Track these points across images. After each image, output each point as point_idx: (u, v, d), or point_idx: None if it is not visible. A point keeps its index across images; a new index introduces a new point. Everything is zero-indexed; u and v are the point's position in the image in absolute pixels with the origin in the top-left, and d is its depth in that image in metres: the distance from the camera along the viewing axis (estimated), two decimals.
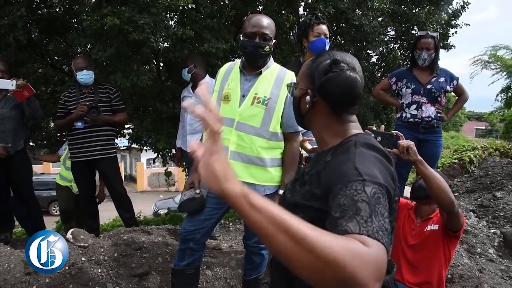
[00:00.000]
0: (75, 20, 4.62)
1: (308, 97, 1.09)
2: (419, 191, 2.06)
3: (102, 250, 2.80)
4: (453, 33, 6.15)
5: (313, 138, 2.37)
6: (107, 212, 6.77)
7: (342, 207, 0.82)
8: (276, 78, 2.05)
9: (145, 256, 2.82)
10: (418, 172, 1.68)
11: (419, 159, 1.61)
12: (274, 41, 2.03)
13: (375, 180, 0.87)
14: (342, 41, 5.93)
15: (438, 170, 5.52)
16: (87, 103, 3.33)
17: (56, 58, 5.50)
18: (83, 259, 2.65)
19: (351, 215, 0.79)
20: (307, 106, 1.10)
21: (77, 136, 3.41)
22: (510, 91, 14.23)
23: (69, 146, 3.62)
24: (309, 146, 2.27)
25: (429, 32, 3.36)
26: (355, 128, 1.09)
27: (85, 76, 3.33)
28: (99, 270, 2.62)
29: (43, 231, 2.04)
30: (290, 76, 2.08)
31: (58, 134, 5.59)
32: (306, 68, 1.13)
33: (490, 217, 3.92)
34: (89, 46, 4.10)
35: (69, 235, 2.83)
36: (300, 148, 2.20)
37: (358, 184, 0.85)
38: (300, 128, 2.09)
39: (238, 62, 2.14)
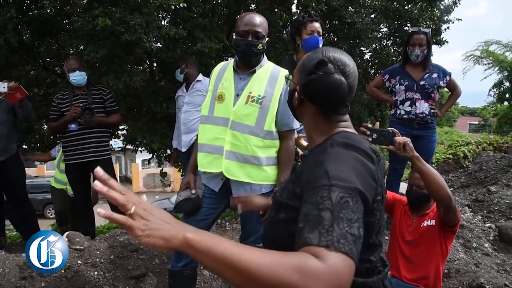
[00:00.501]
0: (67, 21, 4.58)
1: (296, 94, 1.08)
2: (417, 200, 2.11)
3: (98, 252, 2.78)
4: (445, 29, 6.18)
5: None
6: None
7: (306, 216, 0.81)
8: (270, 76, 2.04)
9: (142, 258, 2.81)
10: (415, 169, 1.68)
11: (416, 155, 1.61)
12: (267, 39, 2.02)
13: (344, 183, 0.83)
14: (335, 39, 5.94)
15: (433, 166, 5.55)
16: (81, 105, 3.30)
17: (48, 59, 5.45)
18: (79, 262, 2.63)
19: (313, 225, 0.77)
20: (296, 101, 1.10)
21: (71, 138, 3.38)
22: (502, 86, 14.33)
23: (63, 148, 3.59)
24: (304, 143, 2.27)
25: (421, 28, 3.37)
26: (345, 126, 1.06)
27: (77, 77, 3.30)
28: (96, 273, 2.61)
29: (43, 231, 2.04)
30: (284, 74, 2.07)
31: (52, 137, 5.55)
32: (300, 63, 1.11)
33: (485, 211, 3.94)
34: (81, 47, 4.07)
35: (64, 238, 2.80)
36: (295, 146, 2.20)
37: (324, 191, 0.83)
38: (295, 126, 2.08)
39: (231, 61, 2.13)
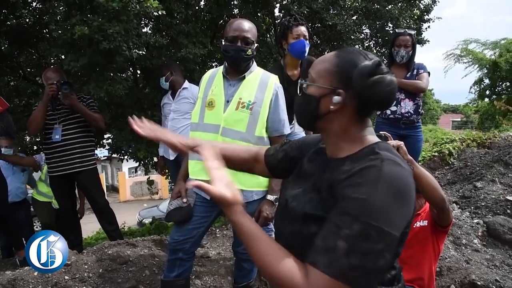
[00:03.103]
0: (46, 30, 4.50)
1: (336, 98, 0.97)
2: None
3: (86, 266, 2.70)
4: (426, 28, 6.28)
5: None
6: (90, 224, 6.61)
7: (325, 237, 0.85)
8: (260, 82, 2.02)
9: (132, 270, 2.74)
10: None
11: (410, 159, 1.61)
12: (256, 45, 2.01)
13: (374, 219, 0.82)
14: (318, 41, 5.98)
15: (420, 164, 5.61)
16: (54, 81, 3.14)
17: (28, 69, 5.35)
18: (66, 277, 2.56)
19: (326, 250, 0.83)
20: (331, 107, 0.98)
21: (54, 150, 3.29)
22: (482, 83, 14.66)
23: (46, 160, 3.49)
24: None
25: (407, 29, 3.40)
26: (370, 133, 1.02)
27: None
28: None
29: (43, 231, 2.02)
30: (274, 80, 2.05)
31: (35, 148, 5.43)
32: (332, 65, 1.00)
33: (472, 207, 3.99)
34: (62, 56, 3.99)
35: None
36: None
37: (350, 217, 0.83)
38: (286, 132, 2.07)
39: (221, 68, 2.11)
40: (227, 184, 0.95)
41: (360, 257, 0.80)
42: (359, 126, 1.01)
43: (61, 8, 4.29)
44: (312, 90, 1.03)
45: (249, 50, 1.95)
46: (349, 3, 5.72)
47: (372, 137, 1.01)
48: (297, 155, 1.21)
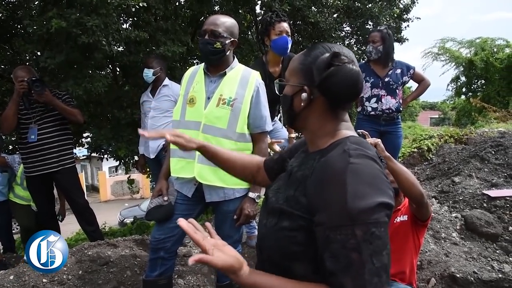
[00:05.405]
0: (20, 26, 4.35)
1: (304, 94, 0.99)
2: None
3: (65, 268, 2.63)
4: (405, 27, 6.38)
5: (282, 140, 2.36)
6: (70, 225, 6.45)
7: (334, 256, 0.83)
8: (241, 78, 2.01)
9: (113, 271, 2.69)
10: (388, 169, 1.69)
11: (387, 156, 1.62)
12: (231, 39, 1.97)
13: (367, 214, 0.82)
14: (299, 39, 6.00)
15: (400, 160, 5.71)
16: (25, 78, 3.02)
17: (2, 67, 5.17)
18: (44, 280, 2.49)
19: (344, 270, 0.81)
20: (302, 104, 1.00)
21: (30, 150, 3.19)
22: (459, 80, 15.05)
23: (22, 161, 3.39)
24: (277, 148, 2.25)
25: (379, 27, 3.51)
26: (346, 128, 1.02)
27: None
28: None
29: (43, 231, 2.01)
30: (255, 76, 2.04)
31: (11, 147, 5.25)
32: (299, 62, 1.03)
33: (450, 201, 4.07)
34: (38, 53, 3.87)
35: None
36: (269, 150, 2.17)
37: (348, 228, 0.82)
38: (268, 128, 2.06)
39: (202, 65, 2.09)
40: (223, 250, 0.93)
41: (376, 258, 0.81)
42: (333, 121, 1.01)
43: (36, 3, 4.16)
44: (286, 90, 1.06)
45: (218, 44, 1.91)
46: (330, 1, 5.76)
47: (345, 132, 1.01)
48: (289, 155, 1.22)
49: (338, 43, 6.17)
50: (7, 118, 3.09)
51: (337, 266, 0.82)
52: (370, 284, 0.80)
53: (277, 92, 1.13)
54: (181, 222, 0.93)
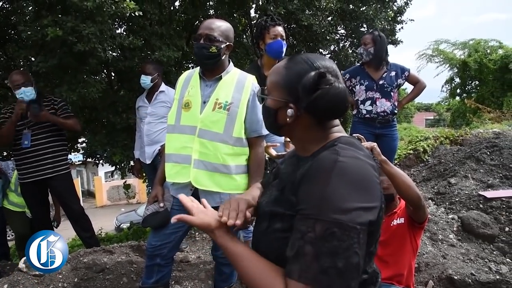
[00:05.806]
0: (14, 31, 4.33)
1: (290, 111, 0.98)
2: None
3: (60, 276, 2.61)
4: (399, 29, 6.41)
5: (278, 144, 2.35)
6: (65, 231, 6.36)
7: (293, 245, 0.85)
8: (237, 82, 2.00)
9: (109, 278, 2.66)
10: (384, 172, 1.69)
11: (383, 159, 1.62)
12: (226, 43, 1.96)
13: (334, 214, 0.80)
14: (294, 42, 6.01)
15: (396, 162, 5.72)
16: (25, 101, 3.07)
17: None
18: None
19: (296, 258, 0.83)
20: (287, 119, 0.99)
21: (25, 156, 3.17)
22: (453, 82, 15.13)
23: (16, 167, 3.35)
24: (273, 153, 2.23)
25: (371, 30, 3.55)
26: (337, 130, 1.02)
27: (23, 94, 3.07)
28: None
29: (43, 231, 2.01)
30: (251, 80, 2.03)
31: (5, 153, 5.21)
32: (281, 78, 1.01)
33: (447, 203, 4.09)
34: (32, 59, 3.85)
35: (21, 265, 2.61)
36: (265, 153, 2.16)
37: (311, 221, 0.82)
38: (264, 132, 2.05)
39: (197, 69, 2.07)
40: (206, 212, 1.04)
41: (329, 258, 0.78)
42: (322, 128, 1.01)
43: (30, 8, 4.14)
44: (269, 102, 1.05)
45: (213, 48, 1.90)
46: (324, 4, 5.77)
47: (337, 134, 1.01)
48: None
49: (332, 46, 6.22)
50: (3, 137, 3.15)
51: (291, 253, 0.84)
52: (317, 282, 0.78)
53: (258, 103, 1.13)
54: (181, 196, 1.09)
